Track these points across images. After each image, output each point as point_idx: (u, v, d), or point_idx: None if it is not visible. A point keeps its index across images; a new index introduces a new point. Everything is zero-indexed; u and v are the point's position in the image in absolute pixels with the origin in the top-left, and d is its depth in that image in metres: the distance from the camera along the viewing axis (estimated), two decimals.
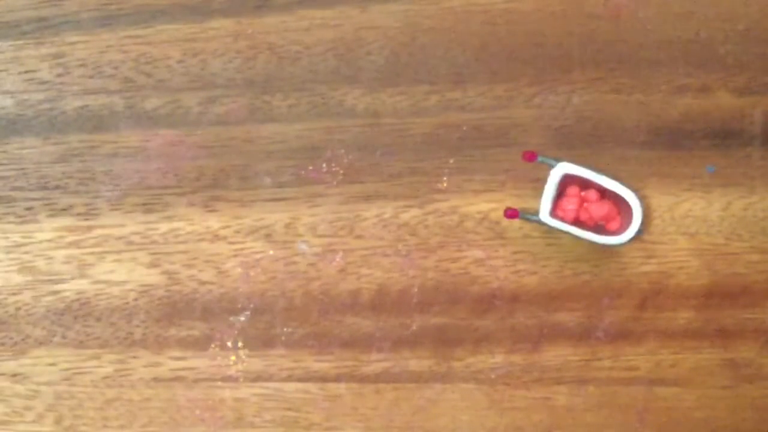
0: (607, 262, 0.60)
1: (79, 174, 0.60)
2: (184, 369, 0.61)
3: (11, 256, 0.61)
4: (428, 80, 0.60)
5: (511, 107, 0.60)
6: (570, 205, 0.57)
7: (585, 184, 0.57)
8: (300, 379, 0.60)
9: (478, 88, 0.60)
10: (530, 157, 0.56)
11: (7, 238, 0.61)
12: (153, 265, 0.60)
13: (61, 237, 0.60)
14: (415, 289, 0.60)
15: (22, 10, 0.60)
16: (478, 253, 0.60)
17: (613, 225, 0.57)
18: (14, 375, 0.61)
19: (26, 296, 0.61)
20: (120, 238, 0.60)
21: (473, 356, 0.60)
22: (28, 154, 0.61)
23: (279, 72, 0.60)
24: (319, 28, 0.60)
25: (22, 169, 0.61)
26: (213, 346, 0.60)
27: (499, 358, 0.60)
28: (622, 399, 0.60)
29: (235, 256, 0.60)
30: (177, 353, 0.60)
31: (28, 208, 0.61)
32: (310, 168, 0.60)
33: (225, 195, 0.60)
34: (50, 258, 0.60)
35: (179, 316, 0.60)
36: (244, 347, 0.60)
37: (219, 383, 0.61)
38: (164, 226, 0.60)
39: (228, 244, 0.60)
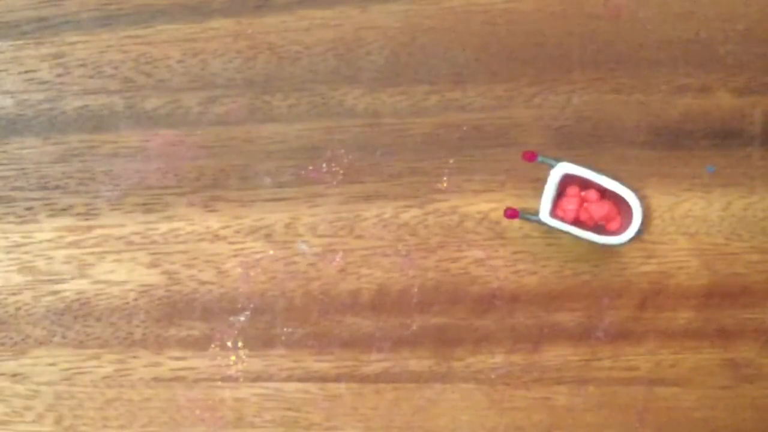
0: (607, 262, 0.60)
1: (79, 174, 0.60)
2: (184, 369, 0.61)
3: (11, 256, 0.61)
4: (428, 80, 0.60)
5: (511, 107, 0.60)
6: (570, 205, 0.57)
7: (585, 184, 0.57)
8: (300, 379, 0.60)
9: (478, 88, 0.60)
10: (530, 157, 0.56)
11: (7, 238, 0.61)
12: (153, 265, 0.60)
13: (61, 237, 0.60)
14: (415, 289, 0.60)
15: (22, 10, 0.60)
16: (478, 253, 0.60)
17: (613, 225, 0.57)
18: (14, 375, 0.61)
19: (26, 296, 0.61)
20: (120, 238, 0.60)
21: (473, 356, 0.60)
22: (28, 154, 0.61)
23: (279, 72, 0.60)
24: (319, 28, 0.60)
25: (22, 169, 0.61)
26: (213, 346, 0.60)
27: (499, 358, 0.60)
28: (622, 399, 0.60)
29: (235, 256, 0.60)
30: (177, 353, 0.60)
31: (28, 208, 0.61)
32: (310, 168, 0.60)
33: (225, 195, 0.60)
34: (50, 258, 0.60)
35: (179, 316, 0.60)
36: (244, 347, 0.60)
37: (219, 383, 0.61)
38: (164, 226, 0.60)
39: (228, 244, 0.60)
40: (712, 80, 0.59)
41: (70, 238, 0.60)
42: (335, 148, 0.60)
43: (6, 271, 0.61)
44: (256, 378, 0.60)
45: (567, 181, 0.56)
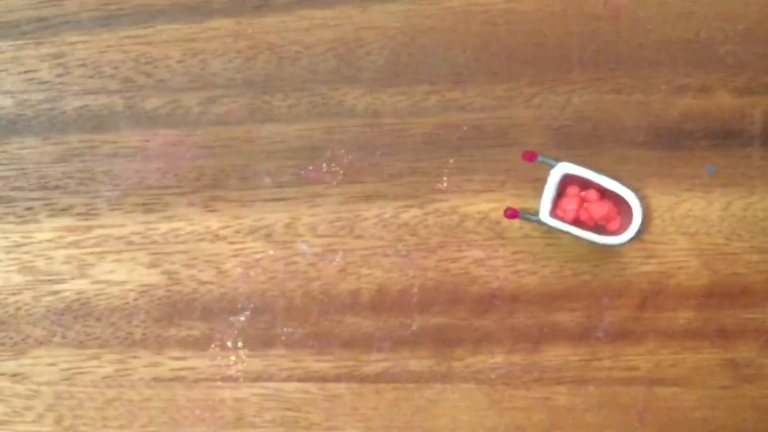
0: (607, 262, 0.60)
1: (79, 174, 0.60)
2: (184, 369, 0.61)
3: (11, 256, 0.61)
4: (428, 80, 0.60)
5: (511, 107, 0.60)
6: (570, 205, 0.57)
7: (585, 184, 0.57)
8: (300, 379, 0.60)
9: (478, 88, 0.60)
10: (530, 157, 0.56)
11: (7, 238, 0.61)
12: (153, 265, 0.60)
13: (61, 237, 0.60)
14: (415, 289, 0.60)
15: (22, 10, 0.60)
16: (478, 253, 0.60)
17: (613, 225, 0.57)
18: (14, 375, 0.61)
19: (26, 296, 0.61)
20: (120, 238, 0.60)
21: (473, 356, 0.60)
22: (28, 154, 0.61)
23: (279, 72, 0.60)
24: (319, 28, 0.60)
25: (22, 169, 0.61)
26: (213, 346, 0.60)
27: (499, 358, 0.60)
28: (622, 399, 0.60)
29: (235, 256, 0.60)
30: (177, 353, 0.60)
31: (28, 208, 0.61)
32: (310, 168, 0.60)
33: (225, 195, 0.60)
34: (50, 258, 0.60)
35: (179, 316, 0.60)
36: (244, 347, 0.60)
37: (219, 383, 0.61)
38: (164, 226, 0.60)
39: (228, 244, 0.60)
40: (712, 80, 0.59)
41: (70, 238, 0.60)
42: (335, 148, 0.60)
43: (6, 271, 0.61)
44: (256, 378, 0.60)
45: (567, 181, 0.56)
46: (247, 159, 0.60)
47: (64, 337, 0.61)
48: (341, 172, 0.60)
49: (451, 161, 0.60)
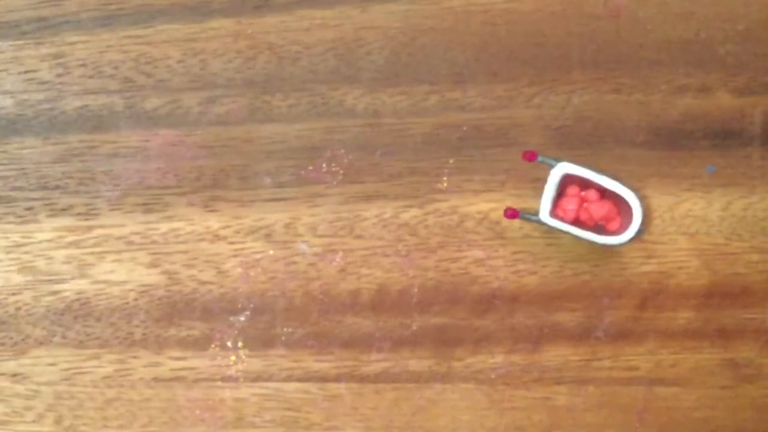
0: (607, 262, 0.60)
1: (79, 174, 0.60)
2: (184, 369, 0.61)
3: (11, 256, 0.61)
4: (428, 80, 0.60)
5: (511, 107, 0.60)
6: (570, 205, 0.57)
7: (585, 184, 0.57)
8: (300, 379, 0.60)
9: (478, 88, 0.60)
10: (530, 157, 0.56)
11: (7, 238, 0.61)
12: (153, 265, 0.60)
13: (61, 237, 0.60)
14: (415, 289, 0.60)
15: (22, 10, 0.60)
16: (478, 253, 0.60)
17: (613, 225, 0.57)
18: (14, 375, 0.61)
19: (26, 296, 0.61)
20: (120, 238, 0.60)
21: (473, 356, 0.60)
22: (28, 154, 0.61)
23: (279, 72, 0.60)
24: (319, 28, 0.60)
25: (22, 169, 0.61)
26: (213, 346, 0.60)
27: (499, 358, 0.60)
28: (622, 399, 0.60)
29: (235, 256, 0.60)
30: (177, 353, 0.60)
31: (28, 208, 0.61)
32: (310, 168, 0.60)
33: (225, 195, 0.60)
34: (50, 258, 0.60)
35: (179, 316, 0.60)
36: (244, 347, 0.60)
37: (219, 383, 0.61)
38: (164, 226, 0.60)
39: (228, 244, 0.60)
40: (712, 80, 0.59)
41: (70, 238, 0.60)
42: (335, 148, 0.60)
43: (6, 271, 0.61)
44: (256, 378, 0.60)
45: (567, 181, 0.56)
46: (247, 159, 0.60)
47: (64, 337, 0.61)
48: (341, 172, 0.60)
49: (451, 161, 0.60)
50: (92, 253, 0.60)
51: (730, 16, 0.59)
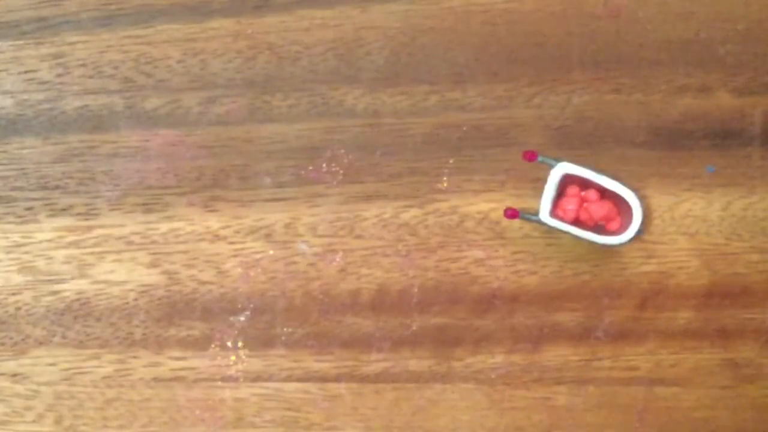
0: (607, 262, 0.60)
1: (79, 174, 0.60)
2: (184, 369, 0.61)
3: (11, 256, 0.61)
4: (428, 80, 0.60)
5: (511, 107, 0.60)
6: (570, 205, 0.57)
7: (585, 184, 0.57)
8: (300, 379, 0.60)
9: (478, 88, 0.60)
10: (530, 157, 0.56)
11: (7, 238, 0.61)
12: (153, 265, 0.60)
13: (61, 237, 0.60)
14: (415, 289, 0.60)
15: (22, 10, 0.60)
16: (478, 253, 0.60)
17: (613, 225, 0.57)
18: (14, 375, 0.61)
19: (26, 296, 0.61)
20: (120, 238, 0.60)
21: (473, 356, 0.60)
22: (28, 154, 0.61)
23: (279, 72, 0.60)
24: (319, 28, 0.60)
25: (22, 169, 0.61)
26: (213, 346, 0.60)
27: (499, 358, 0.60)
28: (622, 399, 0.60)
29: (235, 256, 0.60)
30: (177, 353, 0.60)
31: (28, 208, 0.61)
32: (310, 168, 0.60)
33: (225, 195, 0.60)
34: (50, 258, 0.60)
35: (179, 316, 0.60)
36: (244, 347, 0.60)
37: (219, 383, 0.61)
38: (164, 226, 0.60)
39: (228, 244, 0.60)
40: (712, 80, 0.59)
41: (70, 238, 0.60)
42: (335, 148, 0.60)
43: (6, 271, 0.61)
44: (256, 378, 0.60)
45: (567, 181, 0.56)
46: (247, 159, 0.60)
47: (64, 337, 0.61)
48: (341, 172, 0.60)
49: (451, 161, 0.60)
50: (92, 253, 0.60)
51: (730, 16, 0.59)
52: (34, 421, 0.61)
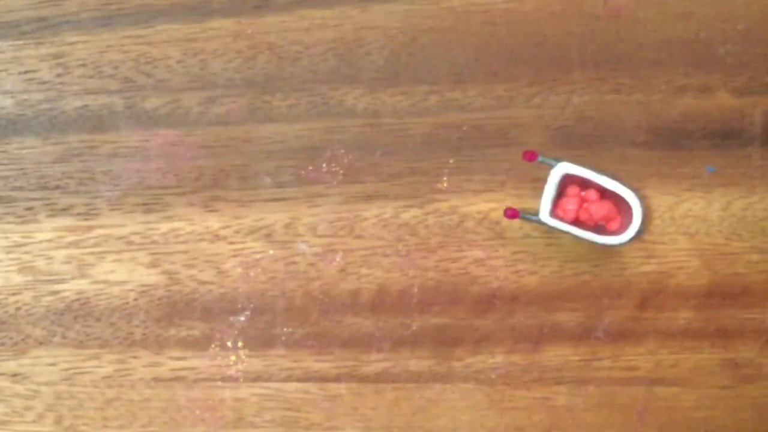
0: (607, 262, 0.60)
1: (79, 174, 0.60)
2: (184, 369, 0.61)
3: (11, 256, 0.61)
4: (428, 80, 0.60)
5: (511, 107, 0.60)
6: (570, 205, 0.57)
7: (585, 184, 0.57)
8: (300, 379, 0.60)
9: (478, 88, 0.60)
10: (530, 157, 0.56)
11: (7, 238, 0.61)
12: (153, 265, 0.60)
13: (61, 237, 0.60)
14: (415, 289, 0.60)
15: (22, 10, 0.60)
16: (478, 253, 0.60)
17: (613, 225, 0.57)
18: (14, 375, 0.61)
19: (26, 296, 0.61)
20: (120, 238, 0.60)
21: (473, 356, 0.60)
22: (28, 154, 0.61)
23: (279, 72, 0.60)
24: (319, 28, 0.60)
25: (22, 169, 0.61)
26: (213, 346, 0.60)
27: (499, 358, 0.60)
28: (622, 399, 0.60)
29: (235, 256, 0.60)
30: (177, 353, 0.60)
31: (28, 208, 0.61)
32: (310, 168, 0.60)
33: (225, 195, 0.60)
34: (50, 258, 0.60)
35: (179, 316, 0.60)
36: (244, 347, 0.60)
37: (219, 383, 0.61)
38: (164, 226, 0.60)
39: (228, 244, 0.60)
40: (712, 80, 0.59)
41: (70, 238, 0.60)
42: (335, 148, 0.60)
43: (6, 271, 0.61)
44: (256, 378, 0.60)
45: (567, 181, 0.56)
46: (247, 159, 0.60)
47: (64, 337, 0.61)
48: (341, 172, 0.60)
49: (451, 161, 0.60)
50: (92, 253, 0.60)
51: (730, 16, 0.59)
52: (34, 421, 0.61)
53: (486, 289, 0.60)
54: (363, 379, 0.60)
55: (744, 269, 0.59)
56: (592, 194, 0.57)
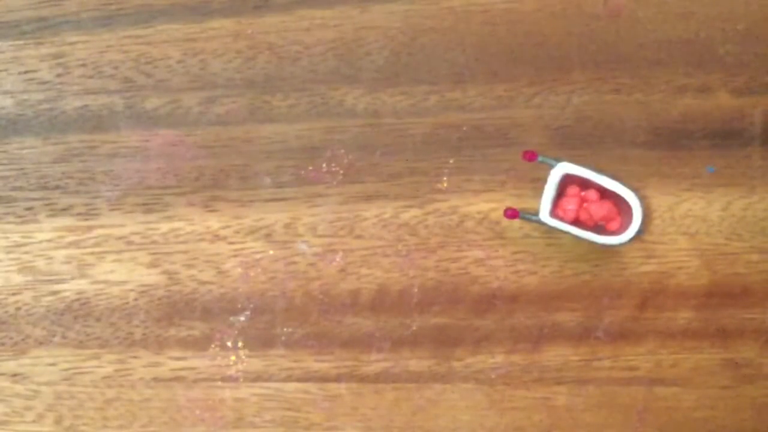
0: (607, 262, 0.60)
1: (79, 174, 0.60)
2: (184, 369, 0.61)
3: (11, 256, 0.61)
4: (428, 80, 0.60)
5: (511, 107, 0.60)
6: (570, 205, 0.57)
7: (585, 184, 0.57)
8: (300, 379, 0.60)
9: (478, 88, 0.60)
10: (530, 157, 0.56)
11: (7, 238, 0.61)
12: (153, 265, 0.60)
13: (61, 237, 0.60)
14: (415, 289, 0.60)
15: (22, 10, 0.60)
16: (478, 253, 0.60)
17: (613, 225, 0.57)
18: (14, 375, 0.61)
19: (26, 296, 0.61)
20: (120, 238, 0.60)
21: (473, 356, 0.60)
22: (28, 154, 0.61)
23: (279, 72, 0.60)
24: (319, 28, 0.60)
25: (22, 169, 0.61)
26: (213, 346, 0.60)
27: (499, 358, 0.60)
28: (622, 399, 0.60)
29: (235, 256, 0.60)
30: (177, 353, 0.60)
31: (28, 208, 0.61)
32: (310, 168, 0.60)
33: (225, 195, 0.60)
34: (50, 258, 0.60)
35: (179, 316, 0.60)
36: (244, 347, 0.60)
37: (219, 383, 0.61)
38: (164, 226, 0.60)
39: (228, 244, 0.60)
40: (712, 80, 0.59)
41: (70, 238, 0.60)
42: (335, 148, 0.60)
43: (6, 271, 0.61)
44: (256, 378, 0.60)
45: (567, 181, 0.56)
46: (247, 159, 0.60)
47: (64, 337, 0.61)
48: (341, 172, 0.60)
49: (451, 161, 0.60)
50: (92, 253, 0.60)
51: (730, 16, 0.59)
52: (34, 421, 0.61)
53: (486, 289, 0.60)
54: (363, 379, 0.60)
55: (744, 269, 0.59)
56: (592, 194, 0.57)
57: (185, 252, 0.60)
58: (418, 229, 0.60)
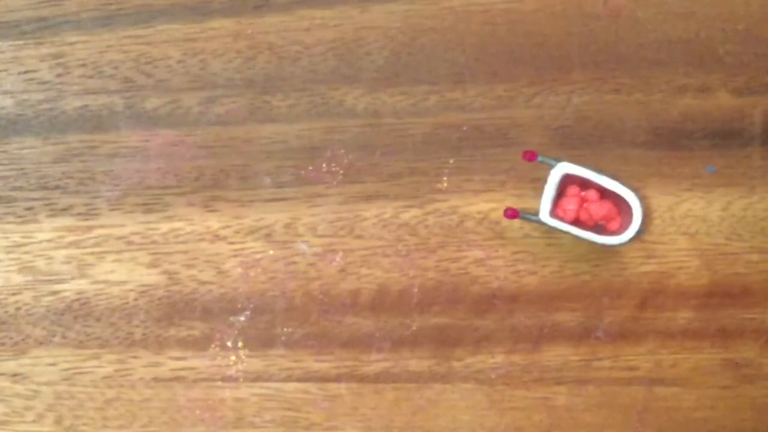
0: (607, 262, 0.60)
1: (79, 174, 0.60)
2: (184, 369, 0.61)
3: (11, 256, 0.61)
4: (428, 80, 0.60)
5: (511, 107, 0.60)
6: (570, 205, 0.57)
7: (585, 184, 0.57)
8: (300, 379, 0.60)
9: (478, 88, 0.60)
10: (530, 157, 0.56)
11: (7, 238, 0.61)
12: (153, 265, 0.60)
13: (61, 237, 0.60)
14: (415, 289, 0.60)
15: (22, 10, 0.60)
16: (478, 253, 0.60)
17: (613, 225, 0.57)
18: (14, 375, 0.61)
19: (26, 296, 0.61)
20: (120, 238, 0.60)
21: (473, 356, 0.60)
22: (28, 154, 0.61)
23: (279, 72, 0.60)
24: (319, 28, 0.60)
25: (22, 169, 0.61)
26: (213, 346, 0.60)
27: (499, 358, 0.60)
28: (622, 399, 0.60)
29: (235, 256, 0.60)
30: (177, 353, 0.60)
31: (28, 208, 0.61)
32: (310, 168, 0.60)
33: (225, 195, 0.60)
34: (50, 258, 0.60)
35: (179, 316, 0.60)
36: (244, 347, 0.60)
37: (219, 383, 0.61)
38: (164, 226, 0.60)
39: (228, 244, 0.60)
40: (712, 80, 0.59)
41: (70, 238, 0.60)
42: (335, 148, 0.60)
43: (6, 271, 0.61)
44: (256, 378, 0.60)
45: (567, 181, 0.56)
46: (247, 159, 0.60)
47: (64, 337, 0.61)
48: (341, 172, 0.60)
49: (451, 161, 0.60)
50: (92, 253, 0.60)
51: (730, 16, 0.59)
52: (34, 421, 0.61)
53: (486, 289, 0.60)
54: (363, 379, 0.60)
55: (744, 269, 0.59)
56: (592, 194, 0.57)
57: (185, 252, 0.60)
58: (418, 229, 0.60)
